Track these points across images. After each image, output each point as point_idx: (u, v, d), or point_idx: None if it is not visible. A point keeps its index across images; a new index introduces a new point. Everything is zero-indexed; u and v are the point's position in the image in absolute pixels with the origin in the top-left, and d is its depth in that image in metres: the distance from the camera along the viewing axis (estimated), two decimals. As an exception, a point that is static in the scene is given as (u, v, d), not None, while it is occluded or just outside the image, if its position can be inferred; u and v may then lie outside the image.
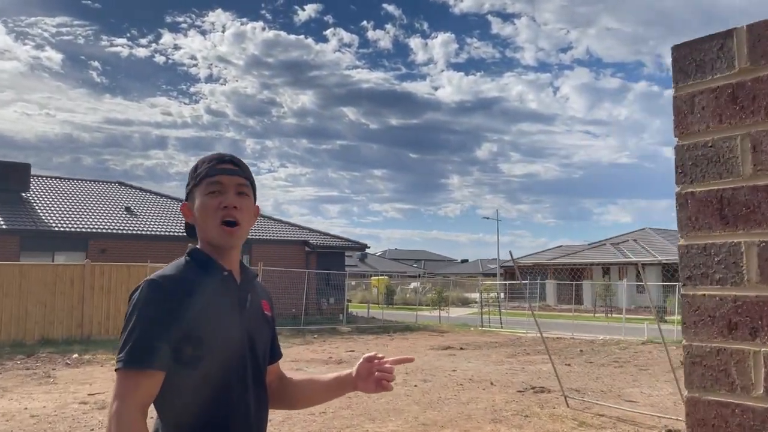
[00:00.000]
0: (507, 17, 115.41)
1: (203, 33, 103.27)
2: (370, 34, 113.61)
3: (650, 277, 39.01)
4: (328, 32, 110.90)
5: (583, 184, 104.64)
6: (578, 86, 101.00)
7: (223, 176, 1.58)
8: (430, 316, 27.59)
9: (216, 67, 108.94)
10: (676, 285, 26.50)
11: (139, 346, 1.40)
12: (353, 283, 44.67)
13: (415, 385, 10.10)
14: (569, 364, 12.80)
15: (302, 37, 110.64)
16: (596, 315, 32.77)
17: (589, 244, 49.13)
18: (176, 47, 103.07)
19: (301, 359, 13.61)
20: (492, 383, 10.36)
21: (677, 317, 24.42)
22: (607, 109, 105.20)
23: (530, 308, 11.29)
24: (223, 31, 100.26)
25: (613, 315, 31.23)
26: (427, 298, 32.73)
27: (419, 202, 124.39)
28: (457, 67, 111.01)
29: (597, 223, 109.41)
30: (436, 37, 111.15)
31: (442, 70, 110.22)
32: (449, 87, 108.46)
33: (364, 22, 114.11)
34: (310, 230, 27.09)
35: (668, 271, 36.73)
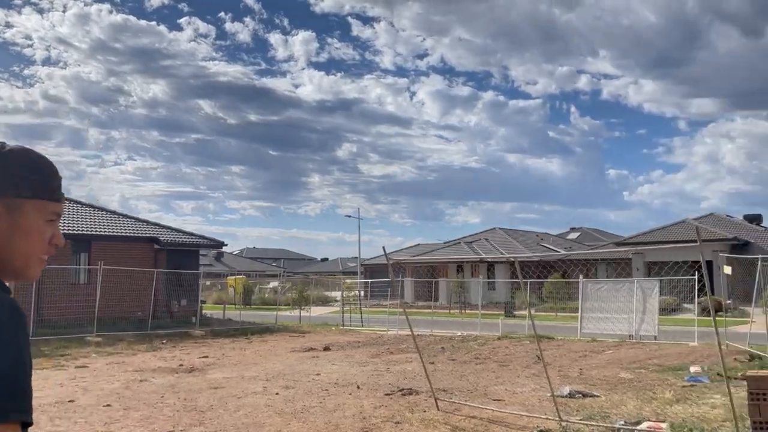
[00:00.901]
0: (367, 20, 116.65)
1: (41, 11, 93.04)
2: (228, 26, 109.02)
3: (499, 275, 41.14)
4: (182, 21, 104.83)
5: (436, 186, 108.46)
6: (433, 92, 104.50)
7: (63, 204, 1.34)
8: (290, 316, 26.76)
9: (55, 49, 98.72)
10: (527, 282, 27.89)
11: (23, 389, 1.09)
12: (208, 283, 42.54)
13: (277, 393, 9.32)
14: (433, 362, 12.66)
15: (154, 23, 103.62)
16: (451, 311, 33.77)
17: (444, 243, 50.88)
18: (8, 25, 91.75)
19: (146, 368, 12.24)
20: (358, 387, 9.86)
21: (527, 312, 25.68)
22: (458, 115, 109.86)
23: (403, 307, 10.96)
24: (63, 11, 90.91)
25: (467, 311, 32.37)
26: (287, 298, 31.80)
27: (279, 200, 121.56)
28: (317, 66, 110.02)
29: (449, 224, 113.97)
30: (297, 34, 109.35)
31: (303, 68, 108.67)
32: (310, 85, 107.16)
33: (222, 14, 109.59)
34: (160, 226, 25.04)
35: (516, 268, 38.81)
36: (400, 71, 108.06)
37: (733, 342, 13.94)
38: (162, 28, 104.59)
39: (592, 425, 6.74)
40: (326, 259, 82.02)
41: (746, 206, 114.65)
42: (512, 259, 38.43)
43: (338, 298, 32.51)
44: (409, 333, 18.03)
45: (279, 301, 30.35)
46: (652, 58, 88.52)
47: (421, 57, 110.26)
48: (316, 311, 30.22)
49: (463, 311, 32.75)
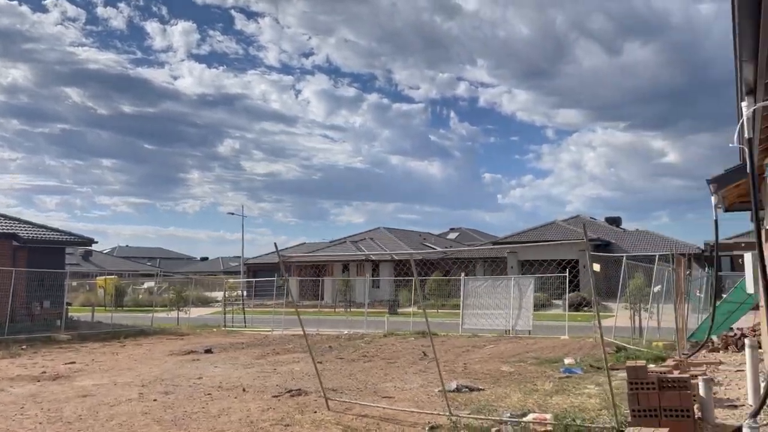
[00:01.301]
0: (251, 15, 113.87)
1: None
2: (100, 11, 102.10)
3: (384, 273, 41.67)
4: (48, 2, 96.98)
5: (321, 186, 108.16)
6: (318, 92, 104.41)
7: None
8: (167, 318, 25.42)
9: None
10: (411, 279, 28.41)
11: None
12: (75, 283, 39.47)
13: (155, 400, 8.71)
14: (321, 362, 12.44)
15: (15, 3, 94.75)
16: (337, 310, 33.70)
17: (330, 242, 50.75)
18: None
19: (3, 377, 11.05)
20: (244, 389, 9.46)
21: (412, 309, 26.17)
22: (344, 116, 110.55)
23: (294, 306, 10.66)
24: None
25: (353, 310, 32.44)
26: (164, 299, 30.20)
27: (154, 197, 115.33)
28: (198, 58, 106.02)
29: (333, 223, 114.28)
30: (176, 24, 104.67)
31: (183, 60, 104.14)
32: (190, 78, 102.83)
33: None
34: (20, 221, 22.82)
35: (399, 267, 39.67)
36: (285, 68, 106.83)
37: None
38: (24, 8, 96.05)
39: (480, 419, 6.87)
40: (206, 259, 79.17)
41: (606, 210, 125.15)
42: (396, 257, 39.06)
43: (219, 299, 31.36)
44: (295, 332, 17.69)
45: (155, 302, 28.73)
46: (524, 69, 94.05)
47: (306, 56, 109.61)
48: (196, 312, 28.96)
49: (348, 310, 32.78)
